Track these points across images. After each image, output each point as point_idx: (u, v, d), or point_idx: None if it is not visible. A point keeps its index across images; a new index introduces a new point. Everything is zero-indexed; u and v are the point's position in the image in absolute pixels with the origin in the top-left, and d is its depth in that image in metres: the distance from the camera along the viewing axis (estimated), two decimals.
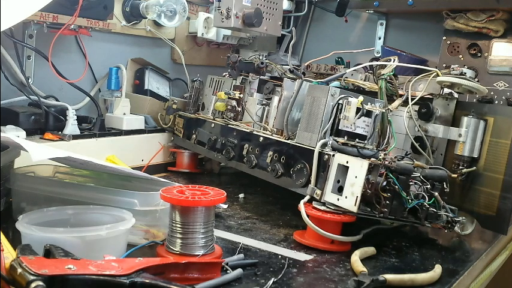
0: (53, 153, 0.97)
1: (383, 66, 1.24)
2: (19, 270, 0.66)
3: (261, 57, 1.56)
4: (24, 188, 1.06)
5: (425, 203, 1.05)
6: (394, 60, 1.24)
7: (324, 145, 1.12)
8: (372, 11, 1.89)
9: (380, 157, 1.02)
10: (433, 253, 1.10)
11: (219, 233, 1.10)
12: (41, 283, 0.64)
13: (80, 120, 1.48)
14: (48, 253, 0.74)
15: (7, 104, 1.42)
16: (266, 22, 1.65)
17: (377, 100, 1.19)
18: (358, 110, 1.12)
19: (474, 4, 1.58)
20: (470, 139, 1.16)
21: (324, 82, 1.32)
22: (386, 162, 1.00)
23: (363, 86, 1.36)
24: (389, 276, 0.90)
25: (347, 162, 1.04)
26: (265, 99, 1.47)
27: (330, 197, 1.06)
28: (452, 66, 1.22)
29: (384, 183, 1.00)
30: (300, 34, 2.17)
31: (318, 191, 1.08)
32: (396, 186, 1.00)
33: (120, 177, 1.15)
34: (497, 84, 1.57)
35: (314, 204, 1.08)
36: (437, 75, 1.21)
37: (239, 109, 1.49)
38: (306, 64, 1.63)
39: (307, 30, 2.18)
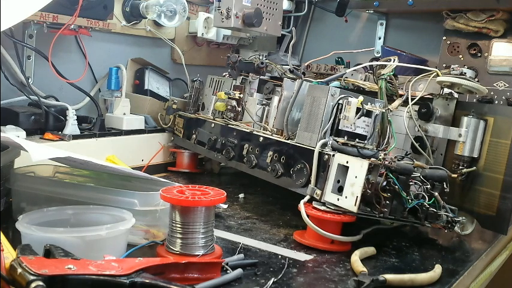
0: (53, 153, 0.97)
1: (383, 66, 1.25)
2: (19, 270, 0.66)
3: (261, 57, 1.56)
4: (24, 188, 1.06)
5: (425, 203, 1.05)
6: (394, 60, 1.24)
7: (324, 145, 1.12)
8: (372, 11, 1.89)
9: (380, 157, 1.02)
10: (433, 253, 1.10)
11: (219, 233, 1.10)
12: (41, 283, 0.64)
13: (80, 120, 1.48)
14: (48, 253, 0.74)
15: (7, 104, 1.42)
16: (266, 22, 1.65)
17: (377, 100, 1.19)
18: (358, 110, 1.12)
19: (474, 4, 1.58)
20: (470, 139, 1.16)
21: (324, 82, 1.32)
22: (386, 162, 1.00)
23: (363, 86, 1.36)
24: (389, 276, 0.90)
25: (347, 162, 1.04)
26: (265, 99, 1.47)
27: (330, 197, 1.06)
28: (452, 66, 1.22)
29: (384, 183, 1.00)
30: (300, 34, 2.17)
31: (318, 191, 1.08)
32: (396, 186, 1.00)
33: (120, 177, 1.15)
34: (497, 84, 1.57)
35: (314, 204, 1.08)
36: (437, 75, 1.21)
37: (239, 109, 1.49)
38: (306, 64, 1.63)
39: (307, 30, 2.18)
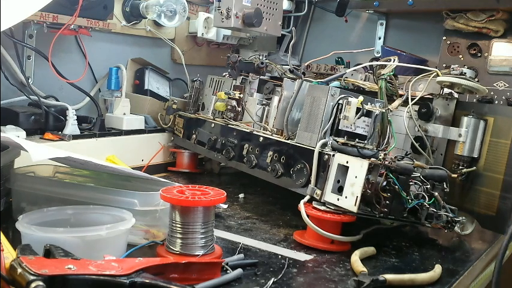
0: (53, 153, 0.97)
1: (383, 66, 1.25)
2: (19, 270, 0.66)
3: (261, 57, 1.56)
4: (24, 188, 1.06)
5: (425, 203, 1.05)
6: (394, 60, 1.24)
7: (324, 145, 1.12)
8: (372, 11, 1.89)
9: (380, 157, 1.02)
10: (433, 253, 1.10)
11: (219, 233, 1.10)
12: (41, 283, 0.64)
13: (80, 120, 1.48)
14: (48, 253, 0.74)
15: (7, 104, 1.42)
16: (266, 22, 1.65)
17: (377, 100, 1.19)
18: (358, 110, 1.12)
19: (474, 4, 1.58)
20: (470, 139, 1.16)
21: (324, 82, 1.32)
22: (387, 162, 1.00)
23: (363, 86, 1.36)
24: (390, 276, 0.90)
25: (347, 162, 1.04)
26: (265, 99, 1.47)
27: (330, 197, 1.06)
28: (452, 66, 1.22)
29: (384, 183, 1.00)
30: (300, 34, 2.17)
31: (318, 191, 1.08)
32: (396, 186, 1.00)
33: (120, 177, 1.15)
34: (497, 84, 1.57)
35: (314, 204, 1.08)
36: (437, 75, 1.21)
37: (239, 109, 1.49)
38: (306, 64, 1.63)
39: (307, 30, 2.18)
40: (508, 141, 1.12)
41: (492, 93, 1.57)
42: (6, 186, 1.07)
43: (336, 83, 1.38)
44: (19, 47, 1.42)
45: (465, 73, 1.17)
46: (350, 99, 1.12)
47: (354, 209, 0.99)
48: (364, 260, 0.99)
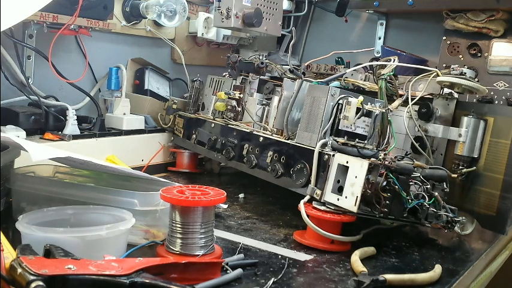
0: (53, 153, 0.97)
1: (383, 66, 1.24)
2: (19, 270, 0.66)
3: (261, 57, 1.56)
4: (24, 188, 1.06)
5: (425, 203, 1.05)
6: (394, 60, 1.24)
7: (324, 145, 1.12)
8: (372, 11, 1.89)
9: (380, 157, 1.02)
10: (433, 253, 1.10)
11: (219, 233, 1.10)
12: (41, 283, 0.64)
13: (80, 120, 1.48)
14: (48, 253, 0.74)
15: (7, 104, 1.42)
16: (266, 22, 1.65)
17: (377, 100, 1.19)
18: (358, 110, 1.12)
19: (474, 4, 1.57)
20: (470, 139, 1.16)
21: (324, 82, 1.32)
22: (387, 162, 1.00)
23: (363, 86, 1.36)
24: (390, 276, 0.90)
25: (347, 162, 1.04)
26: (265, 99, 1.47)
27: (330, 197, 1.06)
28: (452, 66, 1.22)
29: (384, 183, 1.00)
30: (300, 34, 2.17)
31: (318, 191, 1.08)
32: (396, 186, 1.00)
33: (120, 177, 1.15)
34: (497, 84, 1.57)
35: (314, 204, 1.08)
36: (437, 75, 1.21)
37: (239, 109, 1.49)
38: (306, 64, 1.63)
39: (307, 30, 2.18)
40: (508, 141, 1.11)
41: (492, 93, 1.57)
42: (6, 186, 1.07)
43: (336, 83, 1.38)
44: (19, 47, 1.42)
45: (465, 73, 1.17)
46: (350, 99, 1.12)
47: (354, 209, 0.99)
48: (364, 260, 0.99)
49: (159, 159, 1.69)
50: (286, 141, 1.25)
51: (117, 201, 0.99)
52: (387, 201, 1.00)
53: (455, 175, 1.15)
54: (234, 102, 1.49)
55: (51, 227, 0.86)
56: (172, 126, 1.71)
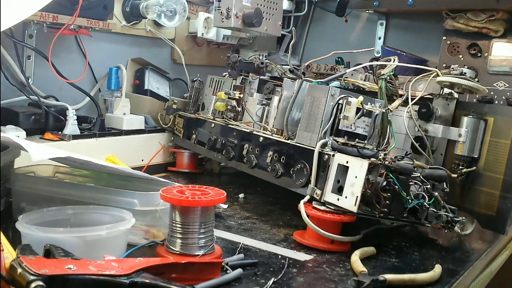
0: (53, 153, 0.97)
1: (383, 66, 1.24)
2: (19, 270, 0.66)
3: (261, 57, 1.56)
4: (24, 188, 1.06)
5: (425, 203, 1.05)
6: (394, 60, 1.24)
7: (324, 145, 1.12)
8: (372, 11, 1.89)
9: (380, 157, 1.02)
10: (433, 253, 1.10)
11: (219, 233, 1.10)
12: (41, 283, 0.64)
13: (80, 120, 1.48)
14: (48, 253, 0.74)
15: (7, 104, 1.42)
16: (266, 22, 1.65)
17: (377, 100, 1.19)
18: (358, 110, 1.12)
19: (474, 4, 1.57)
20: (470, 139, 1.16)
21: (324, 82, 1.32)
22: (387, 162, 1.00)
23: (363, 86, 1.36)
24: (389, 276, 0.90)
25: (347, 162, 1.04)
26: (265, 99, 1.47)
27: (330, 197, 1.06)
28: (452, 66, 1.22)
29: (384, 183, 1.00)
30: (300, 34, 2.17)
31: (318, 191, 1.08)
32: (396, 186, 1.00)
33: (120, 177, 1.15)
34: (497, 84, 1.57)
35: (314, 204, 1.08)
36: (437, 75, 1.21)
37: (239, 109, 1.49)
38: (306, 64, 1.63)
39: (307, 30, 2.18)
40: (508, 141, 1.11)
41: (492, 93, 1.57)
42: (6, 186, 1.07)
43: (336, 83, 1.38)
44: (19, 47, 1.42)
45: (465, 73, 1.17)
46: (350, 99, 1.12)
47: (354, 209, 0.99)
48: (364, 260, 0.99)
49: (159, 159, 1.69)
50: (286, 141, 1.25)
51: (117, 201, 0.99)
52: (387, 201, 1.00)
53: (455, 175, 1.15)
54: (234, 102, 1.49)
55: (51, 227, 0.86)
56: (172, 126, 1.71)
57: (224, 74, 1.64)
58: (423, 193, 1.04)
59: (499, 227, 1.12)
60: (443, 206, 1.07)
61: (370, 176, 1.00)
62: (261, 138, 1.31)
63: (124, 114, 1.59)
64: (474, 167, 1.16)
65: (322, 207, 1.06)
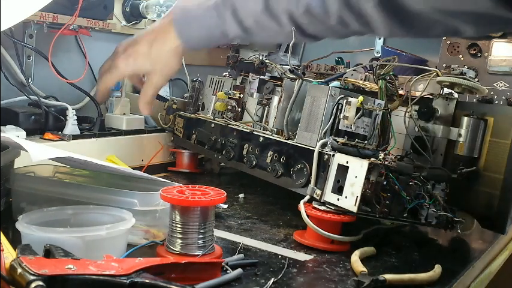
0: (53, 153, 0.97)
1: (383, 66, 1.24)
2: (19, 270, 0.66)
3: (261, 57, 1.56)
4: (24, 188, 1.06)
5: (425, 203, 1.05)
6: (394, 60, 1.24)
7: (324, 145, 1.12)
8: None
9: (380, 157, 1.02)
10: (433, 253, 1.10)
11: (219, 233, 1.10)
12: (41, 283, 0.64)
13: (80, 120, 1.48)
14: (48, 253, 0.74)
15: (7, 104, 1.42)
16: None
17: (377, 100, 1.19)
18: (358, 110, 1.12)
19: None
20: (470, 139, 1.16)
21: (324, 82, 1.32)
22: (387, 162, 1.00)
23: (363, 86, 1.36)
24: (389, 276, 0.90)
25: (347, 162, 1.04)
26: (265, 99, 1.47)
27: (329, 197, 1.06)
28: (452, 66, 1.22)
29: (384, 183, 1.00)
30: None
31: (318, 191, 1.08)
32: (396, 186, 1.00)
33: (120, 177, 1.15)
34: (497, 84, 1.57)
35: (314, 204, 1.08)
36: (437, 75, 1.21)
37: (239, 109, 1.49)
38: (306, 64, 1.63)
39: None
40: (508, 141, 1.11)
41: (492, 93, 1.57)
42: (6, 186, 1.07)
43: (336, 83, 1.38)
44: (19, 47, 1.42)
45: (465, 73, 1.17)
46: (350, 99, 1.12)
47: (354, 209, 0.99)
48: (364, 260, 0.99)
49: (159, 159, 1.69)
50: (286, 141, 1.25)
51: (117, 201, 0.99)
52: (387, 201, 1.00)
53: (455, 175, 1.15)
54: (234, 102, 1.49)
55: (51, 227, 0.86)
56: (172, 126, 1.71)
57: (224, 74, 1.64)
58: (423, 193, 1.04)
59: (499, 227, 1.12)
60: (443, 206, 1.07)
61: (370, 176, 1.00)
62: (261, 138, 1.31)
63: (124, 114, 1.59)
64: (474, 167, 1.16)
65: (322, 207, 1.06)
